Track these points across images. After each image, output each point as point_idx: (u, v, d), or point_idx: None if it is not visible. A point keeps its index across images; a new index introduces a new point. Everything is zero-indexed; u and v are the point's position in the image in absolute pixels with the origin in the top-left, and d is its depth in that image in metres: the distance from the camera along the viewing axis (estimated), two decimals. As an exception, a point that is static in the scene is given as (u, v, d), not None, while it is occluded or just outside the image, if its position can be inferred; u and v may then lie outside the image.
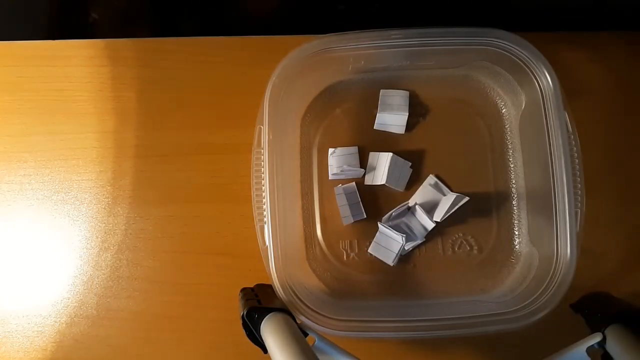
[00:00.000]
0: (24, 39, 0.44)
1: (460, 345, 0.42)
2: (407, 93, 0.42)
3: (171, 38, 0.44)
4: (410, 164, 0.42)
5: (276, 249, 0.36)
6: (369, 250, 0.41)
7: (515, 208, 0.42)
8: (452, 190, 0.41)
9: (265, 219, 0.36)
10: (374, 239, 0.41)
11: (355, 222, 0.42)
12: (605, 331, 0.33)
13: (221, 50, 0.44)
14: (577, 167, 0.36)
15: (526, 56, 0.37)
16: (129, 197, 0.43)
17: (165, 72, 0.44)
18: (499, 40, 0.37)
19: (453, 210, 0.40)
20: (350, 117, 0.43)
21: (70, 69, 0.44)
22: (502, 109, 0.42)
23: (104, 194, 0.44)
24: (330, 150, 0.42)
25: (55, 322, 0.44)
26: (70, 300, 0.43)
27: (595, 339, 0.33)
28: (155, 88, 0.44)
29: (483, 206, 0.42)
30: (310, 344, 0.33)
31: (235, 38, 0.44)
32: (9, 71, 0.44)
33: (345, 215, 0.41)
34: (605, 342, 0.33)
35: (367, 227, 0.42)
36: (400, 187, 0.42)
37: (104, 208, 0.44)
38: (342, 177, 0.42)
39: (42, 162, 0.44)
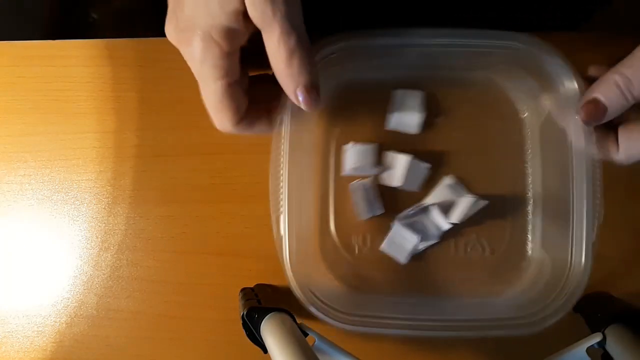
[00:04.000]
0: (24, 39, 0.44)
1: (460, 345, 0.42)
2: (421, 93, 0.41)
3: (171, 38, 0.44)
4: (429, 166, 0.41)
5: (291, 238, 0.36)
6: (380, 248, 0.41)
7: (530, 213, 0.41)
8: (468, 192, 0.41)
9: (282, 209, 0.36)
10: (388, 236, 0.41)
11: (370, 217, 0.41)
12: (605, 331, 0.33)
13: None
14: (598, 177, 0.35)
15: (552, 62, 0.36)
16: (129, 197, 0.43)
17: (165, 72, 0.44)
18: (524, 45, 0.36)
19: (470, 214, 0.40)
20: (368, 114, 0.42)
21: (70, 69, 0.44)
22: (523, 114, 0.42)
23: (104, 194, 0.44)
24: (347, 145, 0.41)
25: (55, 322, 0.44)
26: (70, 300, 0.43)
27: (595, 339, 0.33)
28: (155, 88, 0.44)
29: (498, 209, 0.41)
30: (310, 344, 0.33)
31: (235, 38, 0.44)
32: (9, 71, 0.44)
33: (362, 210, 0.41)
34: (605, 342, 0.33)
35: (380, 223, 0.41)
36: (415, 188, 0.41)
37: (104, 208, 0.43)
38: (358, 173, 0.41)
39: (42, 162, 0.44)
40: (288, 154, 0.36)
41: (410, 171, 0.40)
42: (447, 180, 0.41)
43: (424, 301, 0.41)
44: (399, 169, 0.41)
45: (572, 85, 0.36)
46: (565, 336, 0.34)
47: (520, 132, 0.42)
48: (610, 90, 0.32)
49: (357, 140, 0.41)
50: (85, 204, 0.44)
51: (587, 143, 0.34)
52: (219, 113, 0.32)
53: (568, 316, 0.38)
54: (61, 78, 0.44)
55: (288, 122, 0.36)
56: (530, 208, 0.41)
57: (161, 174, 0.43)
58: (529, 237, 0.41)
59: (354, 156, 0.41)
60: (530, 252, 0.41)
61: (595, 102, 0.32)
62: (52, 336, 0.44)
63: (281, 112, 0.35)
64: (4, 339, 0.44)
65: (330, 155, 0.42)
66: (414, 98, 0.41)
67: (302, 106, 0.32)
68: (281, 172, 0.36)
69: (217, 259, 0.43)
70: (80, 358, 0.44)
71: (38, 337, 0.44)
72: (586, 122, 0.33)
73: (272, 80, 0.32)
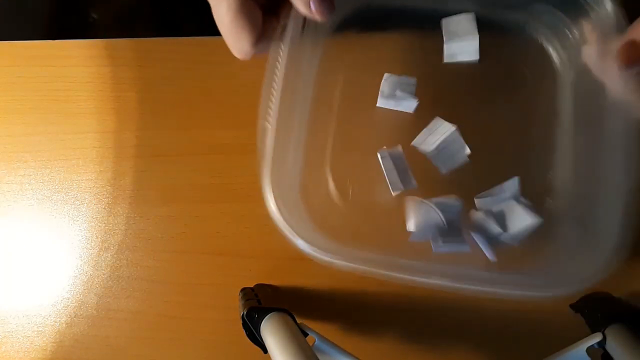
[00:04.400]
0: (24, 39, 0.44)
1: (460, 346, 0.42)
2: (472, 15, 0.36)
3: (171, 38, 0.44)
4: (468, 152, 0.36)
5: (276, 153, 0.32)
6: (411, 235, 0.35)
7: (554, 175, 0.37)
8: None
9: (270, 119, 0.32)
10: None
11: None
12: (605, 331, 0.33)
13: (221, 50, 0.44)
14: (635, 134, 0.31)
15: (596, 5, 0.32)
16: (129, 197, 0.43)
17: (165, 72, 0.44)
18: None
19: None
20: (389, 45, 0.38)
21: (70, 69, 0.44)
22: (558, 64, 0.37)
23: (104, 194, 0.44)
24: (386, 75, 0.37)
25: (55, 322, 0.44)
26: (70, 300, 0.43)
27: (595, 339, 0.33)
28: (155, 88, 0.44)
29: (522, 167, 0.37)
30: (310, 344, 0.33)
31: (236, 38, 0.44)
32: (9, 71, 0.44)
33: (394, 182, 0.37)
34: (605, 342, 0.33)
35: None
36: (444, 168, 0.37)
37: (104, 208, 0.44)
38: (392, 105, 0.37)
39: (42, 162, 0.44)
40: (286, 60, 0.32)
41: (446, 144, 0.36)
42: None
43: (419, 265, 0.35)
44: (437, 135, 0.36)
45: (613, 30, 0.31)
46: (565, 336, 0.34)
47: (554, 83, 0.37)
48: None
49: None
50: (85, 204, 0.44)
51: (623, 93, 0.30)
52: (235, 33, 0.29)
53: (569, 316, 0.38)
54: (61, 78, 0.44)
55: (292, 23, 0.32)
56: (556, 168, 0.37)
57: (161, 174, 0.43)
58: (552, 200, 0.37)
59: (392, 86, 0.37)
60: (554, 213, 0.37)
61: (634, 44, 0.28)
62: (52, 336, 0.44)
63: (285, 19, 0.32)
64: (4, 339, 0.44)
65: (335, 87, 0.39)
66: (467, 22, 0.37)
67: (315, 15, 0.29)
68: (276, 78, 0.32)
69: (217, 259, 0.43)
70: (80, 358, 0.44)
71: (38, 337, 0.44)
72: (624, 67, 0.28)
73: None
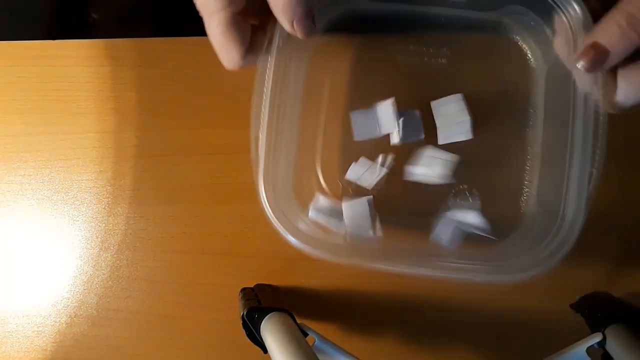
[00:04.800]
0: (24, 39, 0.44)
1: (460, 346, 0.42)
2: (460, 95, 0.39)
3: (171, 38, 0.44)
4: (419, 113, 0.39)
5: (268, 155, 0.34)
6: (346, 177, 0.39)
7: (527, 167, 0.39)
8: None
9: (260, 128, 0.34)
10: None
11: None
12: (605, 331, 0.33)
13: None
14: (600, 123, 0.32)
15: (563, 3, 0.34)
16: (129, 197, 0.43)
17: (165, 72, 0.44)
18: None
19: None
20: (367, 49, 0.41)
21: (70, 69, 0.44)
22: (531, 59, 0.39)
23: (104, 194, 0.44)
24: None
25: (55, 322, 0.44)
26: (70, 300, 0.44)
27: (595, 339, 0.33)
28: (155, 88, 0.44)
29: (494, 160, 0.40)
30: (310, 344, 0.33)
31: (235, 38, 0.44)
32: (9, 71, 0.44)
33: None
34: (605, 342, 0.33)
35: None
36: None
37: (104, 208, 0.44)
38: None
39: (42, 162, 0.44)
40: (273, 69, 0.34)
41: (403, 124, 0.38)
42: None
43: (405, 248, 0.38)
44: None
45: (582, 26, 0.32)
46: (565, 336, 0.34)
47: (527, 80, 0.39)
48: (611, 31, 0.29)
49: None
50: (85, 204, 0.44)
51: (590, 88, 0.32)
52: (225, 45, 0.32)
53: (569, 316, 0.38)
54: (61, 78, 0.44)
55: (277, 32, 0.34)
56: (528, 159, 0.39)
57: (161, 174, 0.43)
58: (525, 189, 0.39)
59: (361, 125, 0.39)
60: (524, 205, 0.39)
61: (596, 47, 0.29)
62: (52, 336, 0.44)
63: (271, 32, 0.34)
64: (4, 339, 0.44)
65: (324, 87, 0.40)
66: (457, 104, 0.39)
67: (297, 34, 0.31)
68: (264, 95, 0.34)
69: (217, 259, 0.43)
70: (80, 358, 0.44)
71: (38, 337, 0.44)
72: (588, 69, 0.30)
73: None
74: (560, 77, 0.36)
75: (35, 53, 0.44)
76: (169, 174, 0.43)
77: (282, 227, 0.34)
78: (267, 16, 0.33)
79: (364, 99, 0.40)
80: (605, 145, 0.32)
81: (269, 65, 0.34)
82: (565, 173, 0.34)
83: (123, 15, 0.46)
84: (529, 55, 0.40)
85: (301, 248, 0.34)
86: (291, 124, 0.39)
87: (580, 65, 0.30)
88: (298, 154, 0.40)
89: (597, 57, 0.29)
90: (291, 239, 0.34)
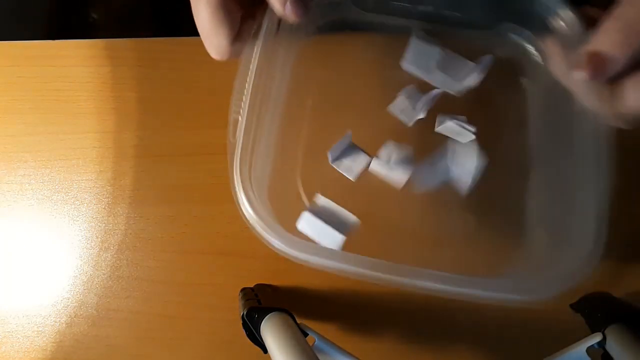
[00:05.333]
0: (24, 39, 0.44)
1: (460, 346, 0.42)
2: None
3: (171, 38, 0.44)
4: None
5: (245, 146, 0.32)
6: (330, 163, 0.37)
7: (530, 185, 0.38)
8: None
9: (241, 111, 0.32)
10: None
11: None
12: (605, 331, 0.33)
13: (221, 50, 0.44)
14: (606, 138, 0.31)
15: (557, 17, 0.33)
16: (129, 197, 0.43)
17: (165, 72, 0.44)
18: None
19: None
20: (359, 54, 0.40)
21: (70, 69, 0.44)
22: (526, 79, 0.39)
23: (104, 194, 0.44)
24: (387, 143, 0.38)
25: (55, 322, 0.44)
26: (70, 300, 0.43)
27: (595, 339, 0.33)
28: (155, 88, 0.44)
29: (492, 180, 0.37)
30: (310, 344, 0.33)
31: (235, 38, 0.44)
32: (9, 71, 0.44)
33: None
34: (605, 342, 0.33)
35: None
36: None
37: (104, 208, 0.44)
38: (384, 172, 0.37)
39: (42, 162, 0.44)
40: (259, 56, 0.32)
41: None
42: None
43: (396, 268, 0.34)
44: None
45: (577, 40, 0.31)
46: (565, 336, 0.34)
47: (523, 96, 0.38)
48: (610, 39, 0.28)
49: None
50: (85, 204, 0.44)
51: (593, 103, 0.30)
52: (213, 28, 0.30)
53: (569, 316, 0.38)
54: (61, 78, 0.44)
55: (267, 21, 0.32)
56: (530, 180, 0.37)
57: (161, 174, 0.43)
58: (526, 212, 0.37)
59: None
60: (527, 227, 0.37)
61: (596, 55, 0.28)
62: (52, 336, 0.43)
63: (260, 18, 0.32)
64: (4, 339, 0.44)
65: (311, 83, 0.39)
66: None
67: (289, 15, 0.30)
68: (250, 72, 0.32)
69: (217, 259, 0.43)
70: (80, 358, 0.44)
71: (38, 337, 0.44)
72: (590, 78, 0.28)
73: None
74: (558, 93, 0.34)
75: (35, 53, 0.44)
76: (169, 174, 0.43)
77: (267, 230, 0.32)
78: (256, 5, 0.32)
79: (348, 96, 0.40)
80: (613, 162, 0.31)
81: (255, 49, 0.32)
82: (574, 192, 0.32)
83: (123, 15, 0.46)
84: (523, 73, 0.39)
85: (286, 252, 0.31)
86: (275, 110, 0.37)
87: (581, 75, 0.28)
88: (276, 156, 0.38)
89: (599, 65, 0.28)
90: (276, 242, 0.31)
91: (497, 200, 0.38)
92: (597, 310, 0.36)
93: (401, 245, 0.38)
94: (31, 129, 0.44)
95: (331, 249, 0.33)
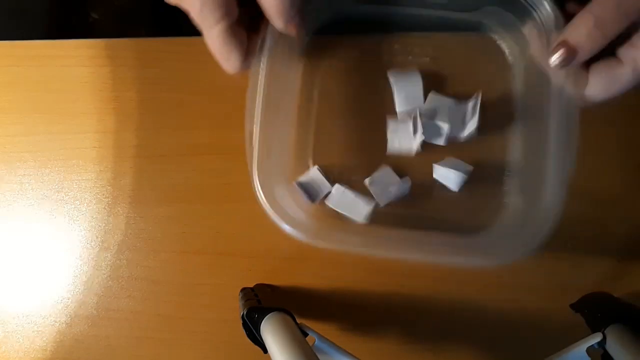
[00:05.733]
0: (24, 39, 0.44)
1: (460, 346, 0.42)
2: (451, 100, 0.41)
3: (171, 38, 0.44)
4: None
5: (262, 152, 0.36)
6: (365, 181, 0.40)
7: (509, 160, 0.41)
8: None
9: (255, 121, 0.36)
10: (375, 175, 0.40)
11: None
12: (605, 331, 0.33)
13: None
14: (573, 116, 0.34)
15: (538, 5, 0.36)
16: (129, 197, 0.43)
17: (165, 72, 0.44)
18: None
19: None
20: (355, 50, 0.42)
21: (70, 69, 0.44)
22: (509, 58, 0.42)
23: (104, 194, 0.44)
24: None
25: (55, 322, 0.44)
26: (70, 300, 0.44)
27: (595, 339, 0.33)
28: (155, 88, 0.44)
29: (477, 153, 0.41)
30: (310, 344, 0.33)
31: (235, 38, 0.44)
32: (9, 71, 0.44)
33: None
34: (605, 342, 0.33)
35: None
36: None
37: (104, 208, 0.44)
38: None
39: (42, 162, 0.44)
40: (267, 64, 0.36)
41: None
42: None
43: (392, 234, 0.40)
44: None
45: (554, 26, 0.35)
46: (565, 336, 0.34)
47: (506, 74, 0.41)
48: (580, 31, 0.31)
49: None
50: (85, 204, 0.44)
51: (564, 83, 0.34)
52: (225, 54, 0.33)
53: (569, 316, 0.38)
54: (61, 78, 0.44)
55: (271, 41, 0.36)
56: (510, 154, 0.41)
57: (161, 174, 0.43)
58: (506, 180, 0.41)
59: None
60: (506, 195, 0.41)
61: (564, 45, 0.32)
62: (52, 336, 0.44)
63: (263, 32, 0.36)
64: (4, 339, 0.44)
65: (314, 88, 0.42)
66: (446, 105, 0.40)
67: (290, 32, 0.34)
68: (258, 89, 0.36)
69: (217, 259, 0.43)
70: (80, 358, 0.44)
71: (38, 337, 0.44)
72: (559, 65, 0.32)
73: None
74: (537, 73, 0.38)
75: (35, 53, 0.44)
76: (169, 174, 0.43)
77: (277, 216, 0.35)
78: (257, 19, 0.35)
79: (349, 94, 0.41)
80: (577, 136, 0.34)
81: (262, 63, 0.36)
82: (544, 164, 0.35)
83: (123, 15, 0.46)
84: (507, 53, 0.42)
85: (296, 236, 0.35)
86: (285, 117, 0.41)
87: (551, 61, 0.33)
88: (292, 147, 0.42)
89: (567, 54, 0.32)
90: (287, 227, 0.35)
91: (485, 167, 0.41)
92: (597, 310, 0.36)
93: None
94: (31, 129, 0.44)
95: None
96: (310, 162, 0.41)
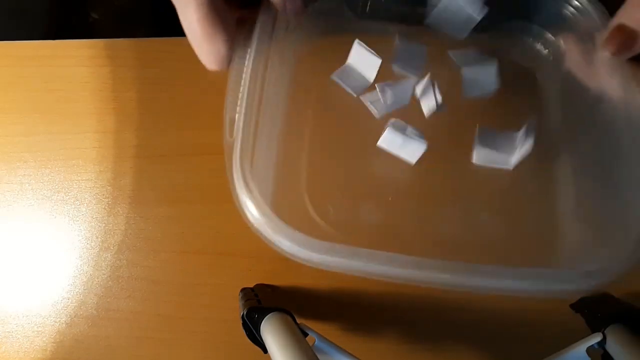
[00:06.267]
0: (24, 39, 0.44)
1: (460, 346, 0.42)
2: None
3: (171, 38, 0.44)
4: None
5: (245, 143, 0.29)
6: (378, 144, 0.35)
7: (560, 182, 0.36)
8: None
9: (238, 108, 0.30)
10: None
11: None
12: (605, 331, 0.33)
13: (221, 50, 0.44)
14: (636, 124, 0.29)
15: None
16: (129, 197, 0.43)
17: (165, 72, 0.44)
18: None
19: None
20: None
21: (70, 69, 0.44)
22: (543, 72, 0.37)
23: (104, 194, 0.44)
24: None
25: (55, 322, 0.44)
26: (70, 300, 0.43)
27: (595, 339, 0.33)
28: (155, 88, 0.44)
29: (518, 181, 0.36)
30: (310, 344, 0.33)
31: (235, 38, 0.44)
32: (9, 71, 0.44)
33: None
34: (605, 342, 0.33)
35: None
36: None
37: (104, 208, 0.43)
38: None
39: (42, 162, 0.44)
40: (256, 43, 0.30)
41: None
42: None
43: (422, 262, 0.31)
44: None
45: (594, 28, 0.30)
46: (565, 336, 0.34)
47: (542, 95, 0.37)
48: (637, 11, 0.27)
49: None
50: (85, 204, 0.44)
51: (611, 92, 0.29)
52: (207, 34, 0.27)
53: (569, 316, 0.38)
54: (61, 78, 0.44)
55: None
56: (561, 175, 0.36)
57: (161, 174, 0.43)
58: (560, 207, 0.36)
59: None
60: (561, 223, 0.36)
61: (622, 29, 0.27)
62: (52, 336, 0.43)
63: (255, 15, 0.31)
64: (4, 339, 0.44)
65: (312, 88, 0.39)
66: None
67: (287, 10, 0.29)
68: (246, 64, 0.30)
69: (217, 259, 0.43)
70: (80, 358, 0.43)
71: (38, 337, 0.44)
72: (616, 54, 0.28)
73: None
74: (576, 88, 0.33)
75: (35, 53, 0.44)
76: (169, 174, 0.43)
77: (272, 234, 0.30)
78: (247, 8, 0.31)
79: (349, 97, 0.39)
80: None
81: (249, 50, 0.30)
82: (612, 182, 0.31)
83: (123, 15, 0.46)
84: (538, 72, 0.37)
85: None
86: (274, 111, 0.36)
87: (606, 52, 0.28)
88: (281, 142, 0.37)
89: (625, 39, 0.27)
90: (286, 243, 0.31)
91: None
92: (597, 310, 0.36)
93: (422, 241, 0.36)
94: (31, 129, 0.44)
95: (347, 248, 0.29)
96: (304, 167, 0.38)
